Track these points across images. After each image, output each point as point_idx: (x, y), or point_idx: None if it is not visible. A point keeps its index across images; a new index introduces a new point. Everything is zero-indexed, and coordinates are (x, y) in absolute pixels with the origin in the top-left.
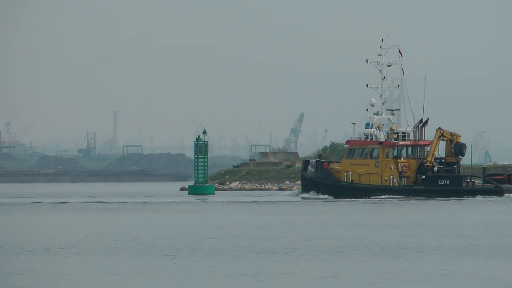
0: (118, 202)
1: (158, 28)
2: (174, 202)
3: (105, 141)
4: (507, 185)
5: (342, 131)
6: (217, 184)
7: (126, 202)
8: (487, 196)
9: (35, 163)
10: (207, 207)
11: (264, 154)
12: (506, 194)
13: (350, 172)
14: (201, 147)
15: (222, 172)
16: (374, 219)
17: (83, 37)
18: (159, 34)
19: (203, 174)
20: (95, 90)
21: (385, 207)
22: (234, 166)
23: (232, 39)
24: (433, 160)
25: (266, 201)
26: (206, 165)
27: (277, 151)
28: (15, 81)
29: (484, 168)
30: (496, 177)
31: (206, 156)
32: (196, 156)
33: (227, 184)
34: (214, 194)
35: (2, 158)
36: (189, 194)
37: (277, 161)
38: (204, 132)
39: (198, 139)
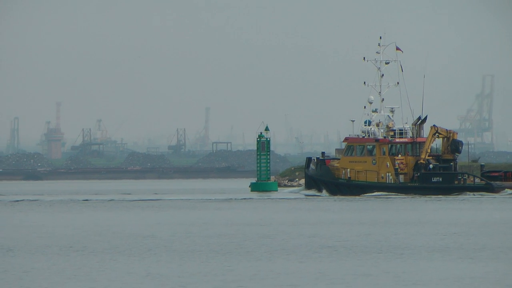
0: (168, 199)
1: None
2: (228, 199)
3: (196, 138)
4: (498, 183)
5: None
6: (287, 181)
7: (179, 199)
8: (478, 193)
9: (124, 160)
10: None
11: (339, 150)
12: (507, 190)
13: (348, 169)
14: (263, 144)
15: (292, 168)
16: (345, 216)
17: (173, 32)
18: (249, 30)
19: (265, 171)
20: (187, 87)
21: (368, 205)
22: None
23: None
24: (426, 157)
25: (268, 198)
26: (269, 162)
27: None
28: (107, 79)
29: (482, 165)
30: (493, 173)
31: (268, 153)
32: (258, 153)
33: (296, 181)
34: (277, 191)
35: (92, 155)
36: (251, 191)
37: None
38: (267, 129)
39: (260, 136)
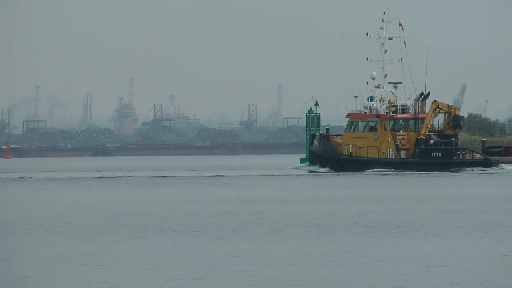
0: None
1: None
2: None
3: (269, 114)
4: (497, 158)
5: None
6: None
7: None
8: (476, 168)
9: (195, 135)
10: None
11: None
12: (502, 165)
13: (350, 145)
14: (312, 119)
15: None
16: (330, 194)
17: (246, 14)
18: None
19: None
20: (259, 63)
21: (360, 181)
22: None
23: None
24: (427, 132)
25: (271, 174)
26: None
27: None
28: (180, 55)
29: (483, 141)
30: (494, 149)
31: (318, 128)
32: (308, 128)
33: None
34: None
35: (163, 131)
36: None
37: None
38: (316, 104)
39: (309, 111)
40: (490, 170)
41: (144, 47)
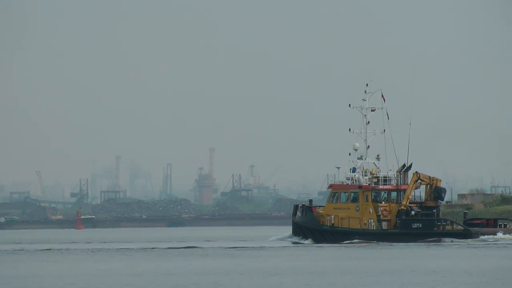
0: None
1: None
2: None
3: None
4: (476, 229)
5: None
6: None
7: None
8: (457, 239)
9: (271, 206)
10: None
11: (461, 196)
12: (482, 236)
13: (332, 216)
14: None
15: None
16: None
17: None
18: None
19: None
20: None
21: (339, 252)
22: None
23: None
24: (407, 204)
25: (257, 246)
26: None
27: (476, 192)
28: (260, 125)
29: (465, 213)
30: (475, 221)
31: None
32: None
33: None
34: None
35: (241, 201)
36: None
37: (469, 203)
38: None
39: None
40: (469, 241)
41: (224, 116)
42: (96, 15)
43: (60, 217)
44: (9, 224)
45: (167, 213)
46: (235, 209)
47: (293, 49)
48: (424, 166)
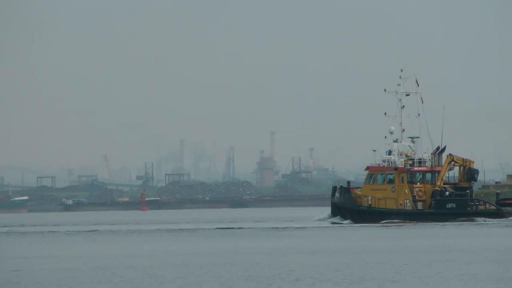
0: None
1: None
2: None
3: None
4: (509, 208)
5: None
6: None
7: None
8: (489, 218)
9: (330, 187)
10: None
11: (510, 176)
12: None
13: (369, 197)
14: None
15: None
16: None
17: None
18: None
19: None
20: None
21: (377, 232)
22: None
23: None
24: (442, 184)
25: (299, 227)
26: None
27: None
28: (319, 110)
29: (497, 193)
30: (507, 201)
31: None
32: None
33: None
34: None
35: (300, 183)
36: None
37: None
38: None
39: None
40: (502, 220)
41: (284, 101)
42: None
43: (126, 199)
44: (77, 206)
45: (229, 195)
46: (295, 191)
47: (334, 40)
48: (459, 148)
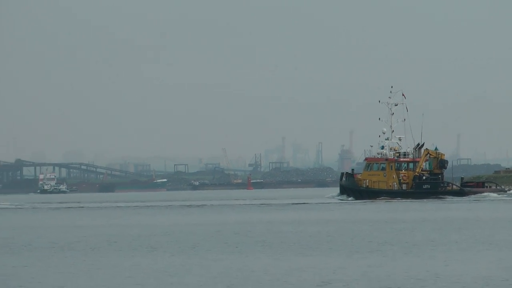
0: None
1: None
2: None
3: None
4: (468, 189)
5: None
6: None
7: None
8: (454, 196)
9: None
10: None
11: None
12: (471, 196)
13: (367, 180)
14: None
15: None
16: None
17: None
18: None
19: None
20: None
21: (373, 206)
22: None
23: None
24: (420, 171)
25: (315, 202)
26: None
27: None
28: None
29: (462, 178)
30: (469, 183)
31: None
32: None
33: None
34: None
35: None
36: None
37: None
38: (436, 149)
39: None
40: (463, 198)
41: (361, 102)
42: None
43: (240, 181)
44: (202, 186)
45: (316, 178)
46: None
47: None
48: (438, 144)
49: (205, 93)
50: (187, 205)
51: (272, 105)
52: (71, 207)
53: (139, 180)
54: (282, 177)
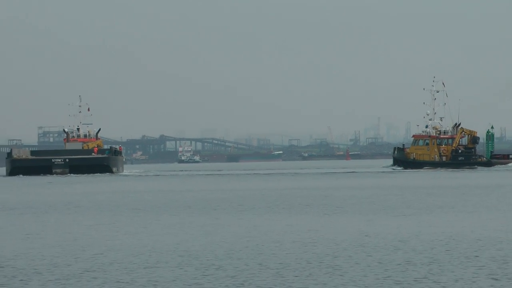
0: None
1: None
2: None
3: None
4: (495, 160)
5: None
6: None
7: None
8: (482, 166)
9: None
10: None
11: None
12: (498, 166)
13: (414, 153)
14: (489, 136)
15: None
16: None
17: None
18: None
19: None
20: None
21: (421, 175)
22: None
23: None
24: (456, 146)
25: (371, 172)
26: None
27: None
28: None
29: (491, 151)
30: (497, 156)
31: (492, 142)
32: (486, 142)
33: None
34: None
35: None
36: None
37: None
38: (492, 127)
39: (488, 131)
40: (492, 168)
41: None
42: None
43: (341, 153)
44: (310, 157)
45: None
46: None
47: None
48: (470, 123)
49: (316, 77)
50: (295, 173)
51: (370, 89)
52: (200, 175)
53: (260, 152)
54: (376, 150)
